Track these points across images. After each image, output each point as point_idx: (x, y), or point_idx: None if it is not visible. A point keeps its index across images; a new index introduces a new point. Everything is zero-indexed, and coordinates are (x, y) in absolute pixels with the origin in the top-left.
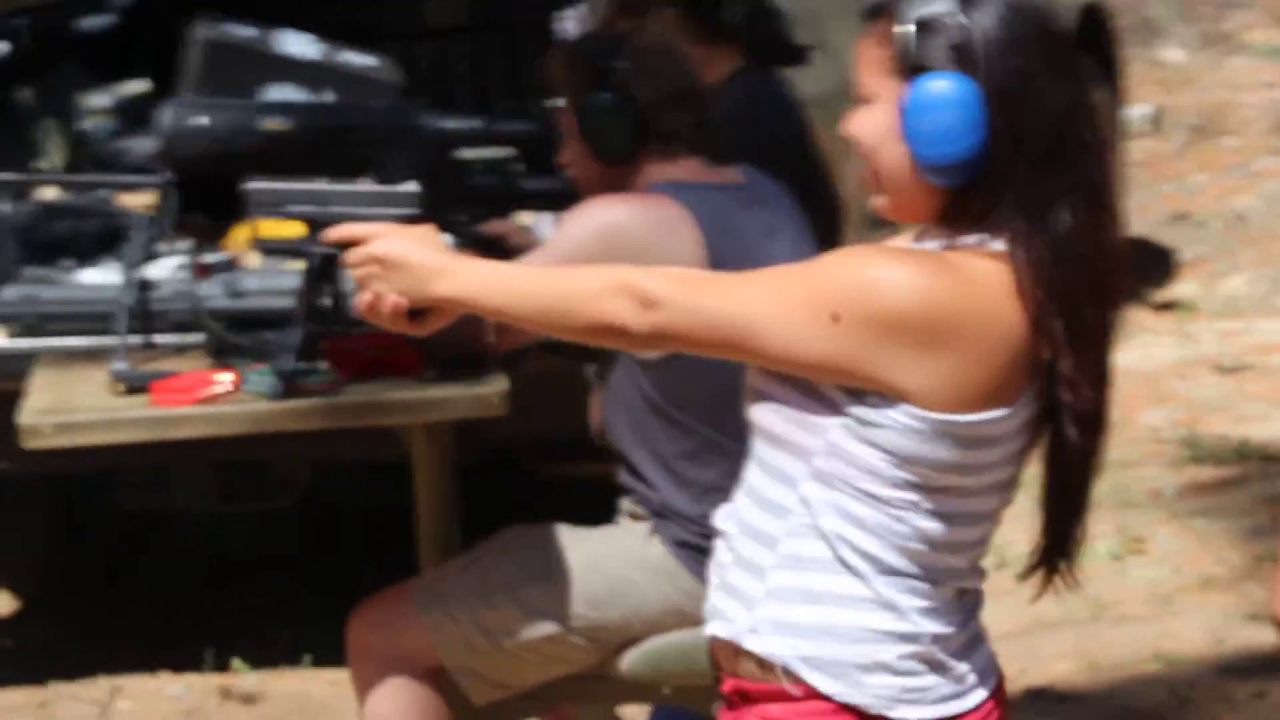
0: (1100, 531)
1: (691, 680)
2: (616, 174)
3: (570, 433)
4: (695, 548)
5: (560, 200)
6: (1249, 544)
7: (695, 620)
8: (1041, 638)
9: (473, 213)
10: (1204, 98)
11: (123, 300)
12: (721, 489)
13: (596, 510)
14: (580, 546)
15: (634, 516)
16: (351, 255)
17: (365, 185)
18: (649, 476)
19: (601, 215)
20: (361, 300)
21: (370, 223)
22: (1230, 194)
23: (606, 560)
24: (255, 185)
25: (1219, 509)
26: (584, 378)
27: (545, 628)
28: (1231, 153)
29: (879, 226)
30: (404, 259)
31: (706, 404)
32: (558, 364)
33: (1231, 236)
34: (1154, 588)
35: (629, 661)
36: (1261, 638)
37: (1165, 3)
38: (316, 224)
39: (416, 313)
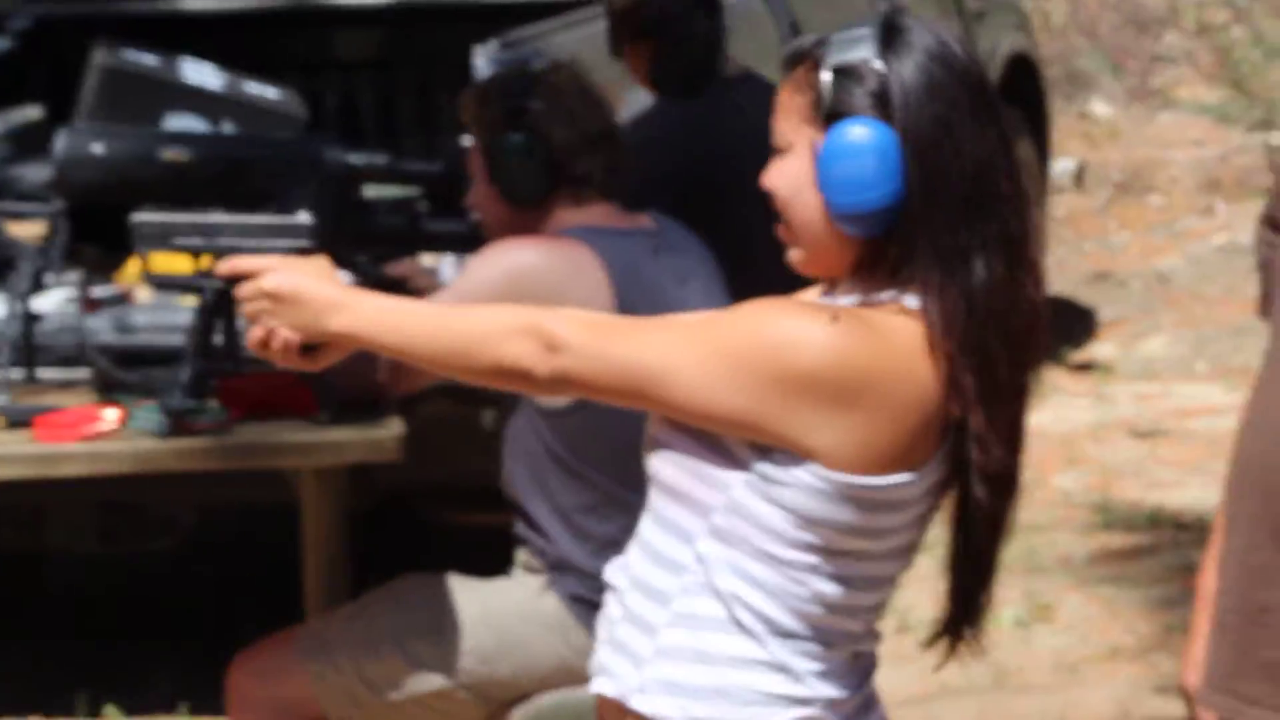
0: (1007, 597)
1: None
2: (525, 217)
3: (467, 480)
4: (591, 603)
5: (466, 242)
6: (1159, 613)
7: (587, 678)
8: (944, 705)
9: (376, 252)
10: (1130, 153)
11: (6, 332)
12: (621, 544)
13: (492, 560)
14: (472, 598)
15: (529, 569)
16: (243, 289)
17: (257, 217)
18: (546, 528)
19: (509, 257)
20: (252, 335)
21: (262, 255)
22: (1153, 253)
23: (498, 614)
24: (142, 217)
25: (1129, 577)
26: (482, 423)
27: (432, 681)
28: (1156, 211)
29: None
30: (296, 293)
31: (610, 456)
32: (455, 409)
33: (1153, 297)
34: (1060, 656)
35: (519, 718)
36: (1169, 710)
37: (1094, 55)
38: (206, 256)
39: (309, 348)
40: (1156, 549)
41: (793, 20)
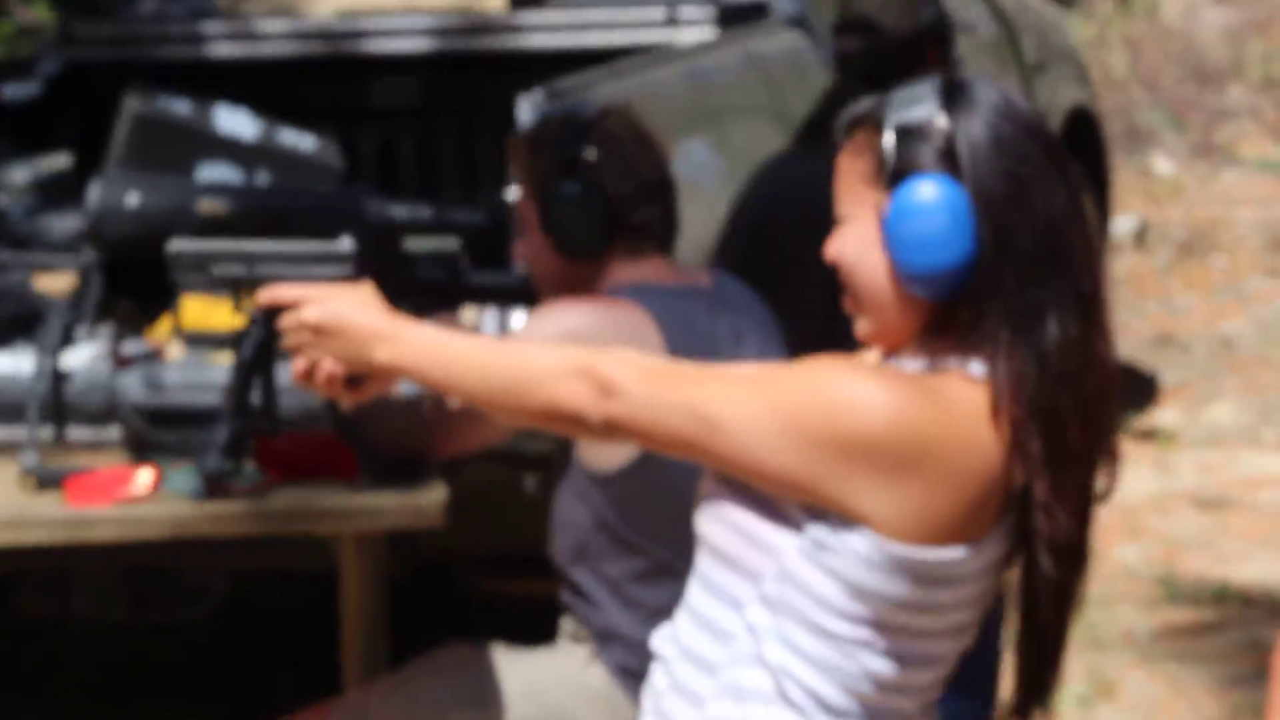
0: (1069, 673)
1: None
2: (580, 270)
3: (510, 547)
4: (639, 674)
5: (510, 295)
6: (1226, 693)
7: None
8: None
9: (418, 305)
10: (1193, 212)
11: (35, 390)
12: (671, 612)
13: (536, 630)
14: (516, 670)
15: (575, 638)
16: (284, 321)
17: (298, 244)
18: (593, 596)
19: (561, 319)
20: (295, 367)
21: (303, 284)
22: (1218, 316)
23: (543, 686)
24: (180, 246)
25: (1195, 654)
26: (525, 488)
27: None
28: (1220, 272)
29: None
30: (340, 324)
31: (662, 523)
32: (498, 473)
33: (1217, 362)
34: None
35: None
36: None
37: (1156, 111)
38: (244, 285)
39: (354, 380)
40: (1223, 625)
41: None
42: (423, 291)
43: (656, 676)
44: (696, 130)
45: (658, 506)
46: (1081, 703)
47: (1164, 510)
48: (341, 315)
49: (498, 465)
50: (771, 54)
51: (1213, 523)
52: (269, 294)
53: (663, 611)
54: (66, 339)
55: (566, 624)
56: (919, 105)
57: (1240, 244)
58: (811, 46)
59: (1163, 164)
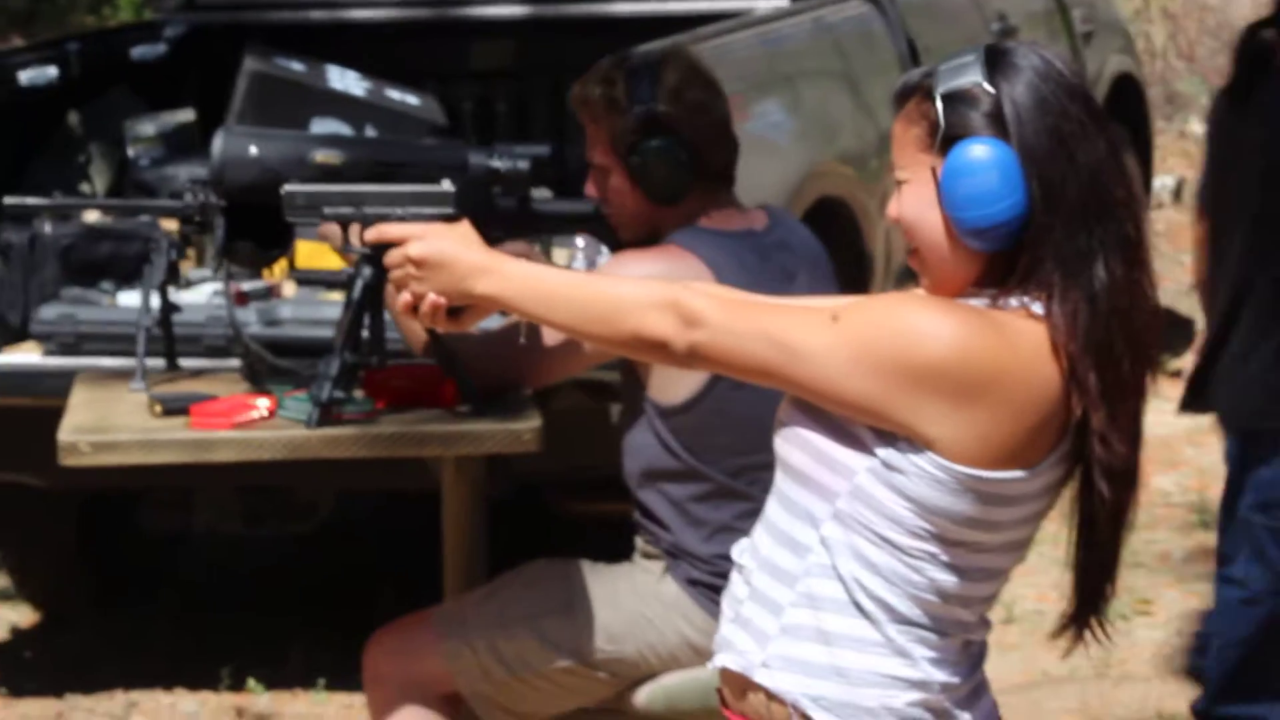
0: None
1: (707, 717)
2: (663, 212)
3: (595, 470)
4: (707, 585)
5: (579, 223)
6: None
7: (709, 657)
8: (1047, 692)
9: (491, 236)
10: None
11: (141, 321)
12: (732, 529)
13: (616, 547)
14: (599, 581)
15: (647, 555)
16: (390, 256)
17: (402, 186)
18: (661, 517)
19: (629, 268)
20: (401, 299)
21: (407, 223)
22: None
23: (623, 596)
24: (292, 188)
25: None
26: (610, 418)
27: (563, 660)
28: None
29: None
30: (442, 258)
31: (720, 450)
32: (586, 403)
33: None
34: (1159, 649)
35: (645, 696)
36: None
37: (1192, 79)
38: (353, 224)
39: (455, 311)
40: None
41: (908, 38)
42: (496, 221)
43: (736, 585)
44: (771, 91)
45: (714, 436)
46: (1121, 617)
47: (1198, 443)
48: (444, 250)
49: (585, 396)
50: (840, 23)
51: None
52: (376, 231)
53: (724, 529)
54: (174, 275)
55: (639, 542)
56: (965, 73)
57: None
58: (877, 15)
59: (1199, 127)
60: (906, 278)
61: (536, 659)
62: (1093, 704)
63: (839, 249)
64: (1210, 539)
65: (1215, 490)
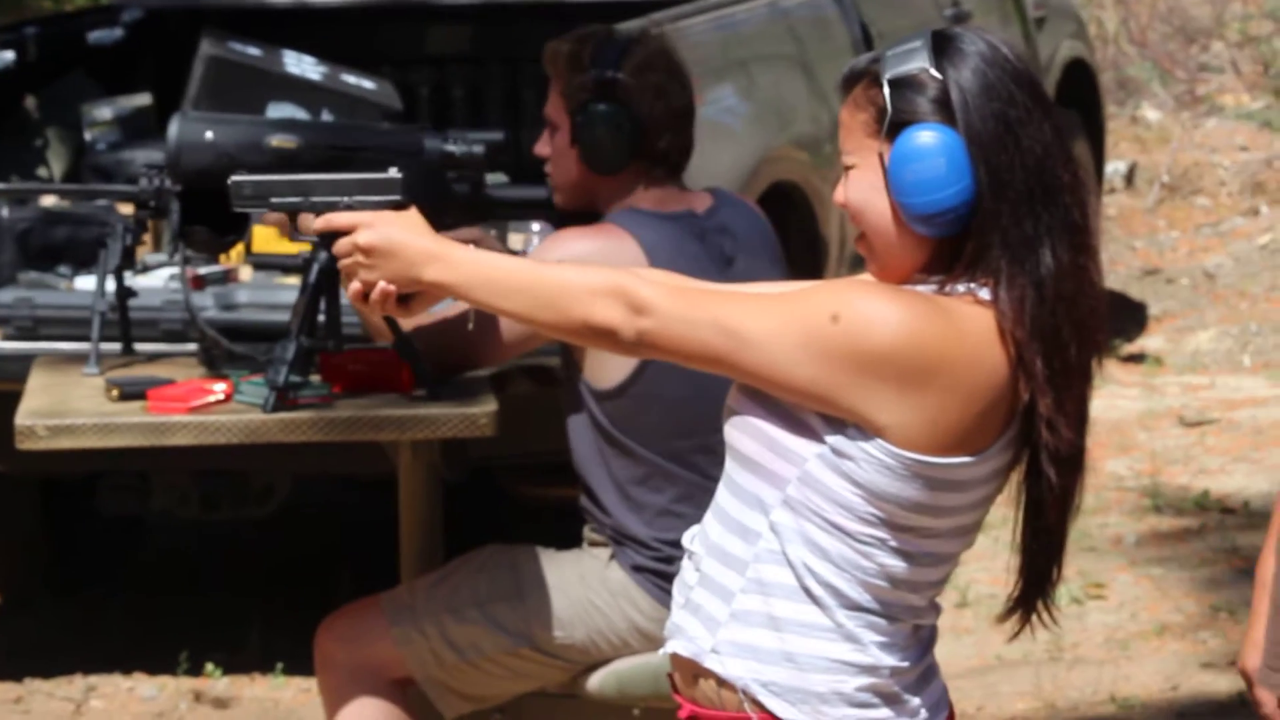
0: (1062, 575)
1: (658, 703)
2: (599, 183)
3: (551, 455)
4: (652, 571)
5: (530, 208)
6: (1205, 593)
7: (659, 643)
8: (1001, 676)
9: (443, 221)
10: (1178, 156)
11: (97, 306)
12: (672, 513)
13: (567, 533)
14: (548, 567)
15: (593, 542)
16: (338, 245)
17: (350, 175)
18: (604, 502)
19: (565, 247)
20: (350, 289)
21: (355, 211)
22: (1200, 252)
23: (571, 583)
24: (240, 178)
25: (1177, 558)
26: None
27: (513, 644)
28: (1203, 212)
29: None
30: (390, 246)
31: (655, 432)
32: (539, 389)
33: (1200, 293)
34: (1112, 632)
35: (596, 681)
36: (1215, 684)
37: (1144, 64)
38: (301, 213)
39: (404, 298)
40: (1203, 532)
41: (862, 24)
42: (450, 208)
43: (686, 572)
44: (726, 76)
45: (649, 418)
46: (1074, 600)
47: (1150, 427)
48: (391, 237)
49: (539, 380)
50: (795, 8)
51: (1195, 439)
52: (324, 220)
53: (665, 513)
54: (130, 260)
55: (586, 529)
56: (912, 58)
57: (1221, 186)
58: (832, 1)
59: (1151, 112)
60: (860, 263)
61: (487, 644)
62: (1046, 687)
63: (793, 234)
64: (1162, 523)
65: (1167, 474)
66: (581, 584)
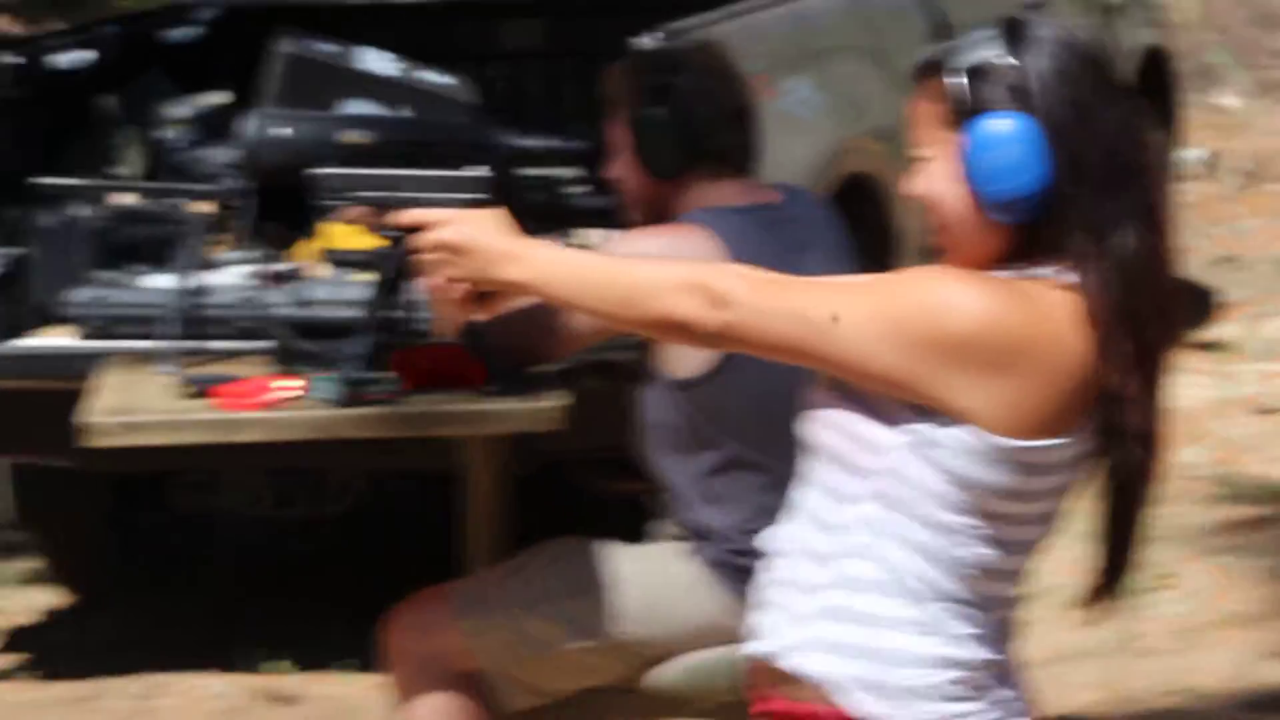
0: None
1: (727, 697)
2: (664, 189)
3: (622, 450)
4: (731, 566)
5: (603, 216)
6: (1276, 583)
7: (733, 638)
8: (1069, 667)
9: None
10: (1258, 144)
11: (172, 304)
12: (756, 505)
13: (640, 527)
14: (622, 562)
15: (670, 536)
16: (421, 240)
17: (434, 171)
18: (684, 495)
19: (636, 246)
20: (431, 283)
21: (439, 208)
22: (1278, 240)
23: (646, 576)
24: (325, 171)
25: (1248, 547)
26: (631, 398)
27: (584, 639)
28: None
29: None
30: (473, 243)
31: (739, 422)
32: (610, 384)
33: (1277, 281)
34: (1181, 622)
35: (667, 676)
36: None
37: (1222, 50)
38: (386, 208)
39: (483, 295)
40: (1276, 521)
41: (944, 16)
42: (523, 214)
43: (770, 570)
44: (800, 69)
45: (731, 408)
46: (1144, 592)
47: (1223, 415)
48: (474, 236)
49: (610, 375)
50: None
51: (1270, 427)
52: (408, 215)
53: (746, 504)
54: (206, 257)
55: (664, 522)
56: (986, 47)
57: None
58: None
59: (1230, 100)
60: (935, 256)
61: (558, 638)
62: (1114, 678)
63: (869, 226)
64: (1234, 512)
65: (1239, 463)
66: (656, 577)
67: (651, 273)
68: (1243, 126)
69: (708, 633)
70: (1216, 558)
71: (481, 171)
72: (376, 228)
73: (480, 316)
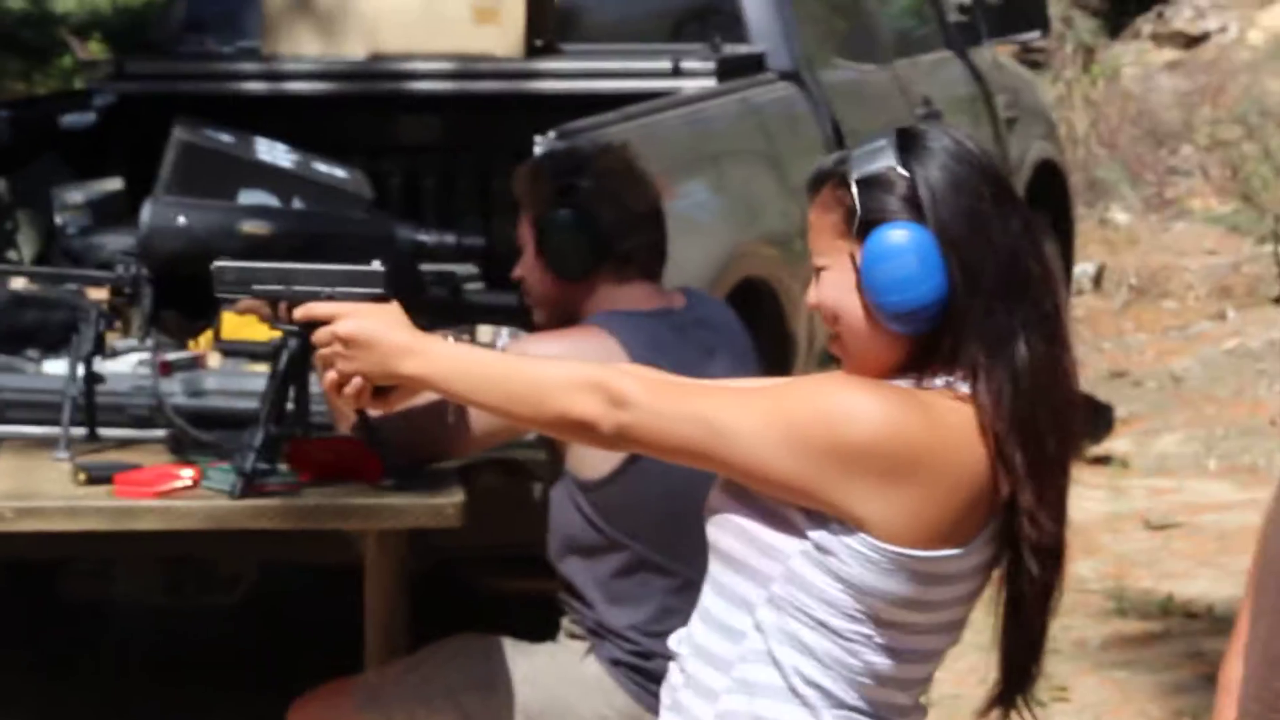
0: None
1: None
2: (569, 291)
3: (517, 548)
4: (630, 666)
5: (505, 314)
6: (1170, 698)
7: None
8: None
9: (420, 323)
10: (1147, 259)
11: (68, 391)
12: (659, 607)
13: (539, 626)
14: (521, 659)
15: (571, 635)
16: (318, 335)
17: (333, 265)
18: (585, 593)
19: (538, 348)
20: (326, 379)
21: (337, 302)
22: (1168, 355)
23: (544, 675)
24: (222, 264)
25: (1142, 662)
26: (533, 495)
27: None
28: (1171, 314)
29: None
30: (370, 338)
31: (644, 525)
32: (508, 481)
33: (1167, 396)
34: None
35: None
36: None
37: (1113, 166)
38: (282, 302)
39: (381, 391)
40: (1168, 636)
41: (833, 121)
42: (427, 310)
43: (673, 673)
44: (697, 172)
45: (637, 511)
46: (1037, 704)
47: (1116, 530)
48: (372, 330)
49: (506, 474)
50: (766, 104)
51: (1160, 542)
52: (304, 309)
53: (648, 606)
54: (100, 345)
55: (564, 621)
56: (879, 157)
57: (1189, 289)
58: (803, 98)
59: (1120, 215)
60: (829, 361)
61: None
62: None
63: (762, 330)
64: (1126, 626)
65: (1133, 578)
66: (554, 676)
67: (550, 371)
68: (1132, 242)
69: None
70: (1110, 671)
71: (378, 266)
72: (271, 320)
73: (376, 411)
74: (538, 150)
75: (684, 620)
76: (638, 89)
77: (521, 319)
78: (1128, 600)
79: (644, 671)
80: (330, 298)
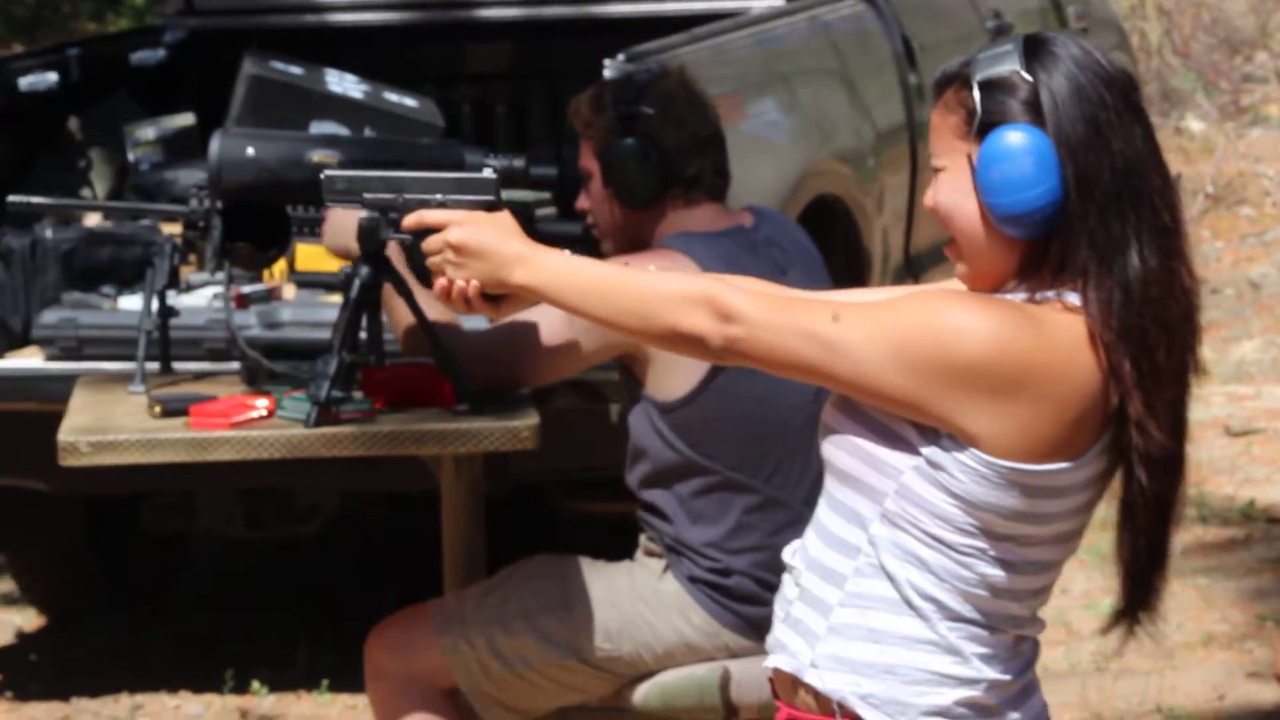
0: (1107, 586)
1: (702, 715)
2: (638, 218)
3: (594, 470)
4: (708, 583)
5: (575, 244)
6: (1251, 603)
7: (707, 655)
8: (1047, 688)
9: None
10: (1223, 167)
11: (142, 326)
12: (736, 524)
13: (616, 547)
14: (598, 579)
15: (649, 553)
16: (429, 242)
17: (443, 173)
18: (665, 512)
19: None
20: (437, 286)
21: (448, 209)
22: (1245, 262)
23: (622, 594)
24: (333, 173)
25: (1223, 568)
26: (609, 417)
27: (560, 656)
28: (1247, 221)
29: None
30: (481, 246)
31: (722, 444)
32: (584, 403)
33: (1244, 303)
34: (1158, 643)
35: (642, 694)
36: (1261, 695)
37: (1188, 75)
38: (392, 210)
39: (493, 298)
40: (1250, 542)
41: (904, 37)
42: None
43: (786, 586)
44: (768, 91)
45: (715, 429)
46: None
47: (1196, 437)
48: (484, 238)
49: (582, 395)
50: (836, 21)
51: (1240, 448)
52: (416, 217)
53: (726, 524)
54: (174, 280)
55: (641, 540)
56: (1004, 61)
57: (1265, 196)
58: (872, 14)
59: (1195, 123)
60: (903, 276)
61: (534, 656)
62: (1093, 698)
63: (836, 248)
64: (1208, 533)
65: (1214, 485)
66: (632, 594)
67: (660, 284)
68: (1207, 150)
69: (682, 650)
70: (1192, 579)
71: (490, 174)
72: (385, 230)
73: (490, 316)
74: (606, 74)
75: (761, 537)
76: (707, 9)
77: (590, 248)
78: (1208, 507)
79: (721, 588)
80: (441, 205)
